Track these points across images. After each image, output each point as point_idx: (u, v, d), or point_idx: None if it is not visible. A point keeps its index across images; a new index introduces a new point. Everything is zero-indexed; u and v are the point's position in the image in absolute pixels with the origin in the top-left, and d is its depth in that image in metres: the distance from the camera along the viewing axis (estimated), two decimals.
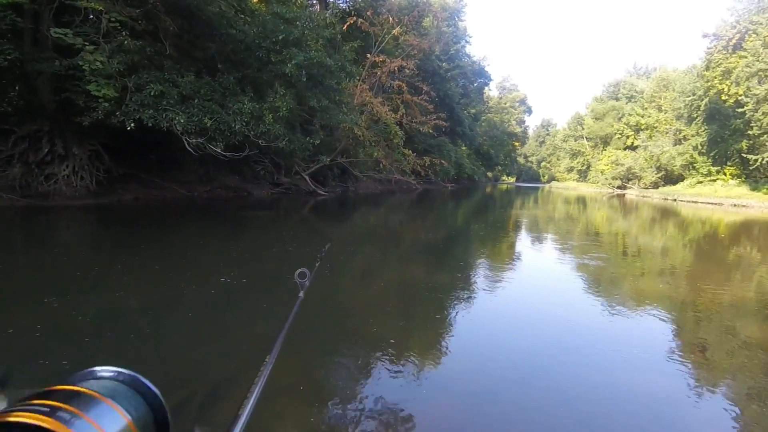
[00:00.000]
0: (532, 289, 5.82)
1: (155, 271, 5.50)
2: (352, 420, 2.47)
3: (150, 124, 11.26)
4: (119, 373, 0.39)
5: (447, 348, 3.60)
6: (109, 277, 5.10)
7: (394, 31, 27.06)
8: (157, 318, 3.87)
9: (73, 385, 0.36)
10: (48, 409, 0.32)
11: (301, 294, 1.39)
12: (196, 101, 12.25)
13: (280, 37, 13.90)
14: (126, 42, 11.21)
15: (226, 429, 0.63)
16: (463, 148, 46.73)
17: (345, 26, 23.24)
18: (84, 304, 4.10)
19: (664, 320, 4.61)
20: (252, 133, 12.97)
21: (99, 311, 3.92)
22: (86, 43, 10.60)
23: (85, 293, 4.48)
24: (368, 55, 25.75)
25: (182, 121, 11.53)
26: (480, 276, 6.43)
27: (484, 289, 5.57)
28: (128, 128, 11.12)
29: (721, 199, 29.61)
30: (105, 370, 0.39)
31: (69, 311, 3.84)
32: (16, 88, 12.31)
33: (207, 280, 5.16)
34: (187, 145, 12.19)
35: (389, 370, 3.11)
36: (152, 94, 11.31)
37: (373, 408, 2.60)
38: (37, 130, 11.64)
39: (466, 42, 47.45)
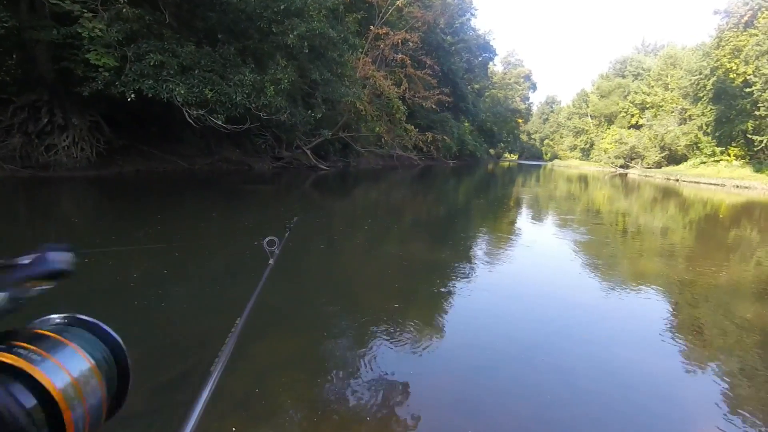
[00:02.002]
0: (531, 267, 5.87)
1: (182, 239, 5.54)
2: (350, 391, 2.54)
3: (150, 95, 11.11)
4: (79, 319, 0.39)
5: (446, 322, 3.66)
6: (131, 245, 5.14)
7: (398, 2, 26.40)
8: (161, 285, 3.92)
9: (35, 328, 0.36)
10: (6, 347, 0.32)
11: (271, 261, 1.41)
12: (196, 72, 12.05)
13: (282, 7, 13.55)
14: (124, 10, 10.96)
15: (205, 375, 0.66)
16: (466, 124, 46.23)
17: None
18: (103, 271, 4.13)
19: (661, 299, 4.66)
20: (253, 105, 12.82)
21: (114, 278, 3.96)
22: (84, 11, 10.37)
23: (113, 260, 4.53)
24: (371, 27, 25.21)
25: (182, 92, 11.39)
26: (480, 252, 6.48)
27: (483, 266, 5.62)
28: (128, 99, 10.98)
29: (723, 180, 29.49)
30: (66, 317, 0.39)
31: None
32: (14, 56, 12.10)
33: (215, 251, 5.20)
34: (187, 116, 12.06)
35: (388, 342, 3.17)
36: (152, 64, 11.12)
37: (371, 380, 2.66)
38: (36, 100, 11.51)
39: (472, 15, 46.27)
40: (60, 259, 0.39)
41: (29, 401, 0.30)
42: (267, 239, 1.44)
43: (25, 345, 0.33)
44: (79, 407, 0.33)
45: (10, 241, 5.21)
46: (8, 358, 0.31)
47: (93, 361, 0.36)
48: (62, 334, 0.36)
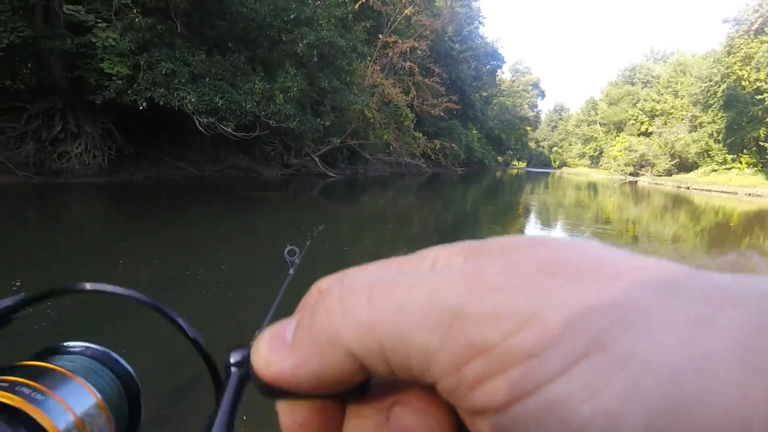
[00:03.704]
0: None
1: (194, 246, 5.57)
2: None
3: (161, 103, 11.26)
4: (87, 347, 0.36)
5: None
6: (156, 251, 5.18)
7: (407, 10, 26.60)
8: (174, 290, 3.93)
9: (39, 360, 0.34)
10: (8, 385, 0.30)
11: (291, 271, 1.40)
12: (207, 80, 12.21)
13: (292, 16, 13.73)
14: (137, 20, 11.15)
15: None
16: (474, 131, 46.26)
17: (357, 5, 22.87)
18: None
19: None
20: (263, 113, 12.95)
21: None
22: (98, 21, 10.57)
23: (131, 268, 4.56)
24: (380, 36, 25.39)
25: (193, 100, 11.53)
26: None
27: None
28: (140, 107, 11.14)
29: (735, 188, 29.14)
30: (73, 345, 0.36)
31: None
32: (29, 65, 12.33)
33: (229, 258, 5.22)
34: (198, 124, 12.20)
35: None
36: (163, 72, 11.28)
37: None
38: (50, 108, 11.71)
39: (480, 23, 46.53)
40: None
41: None
42: (288, 249, 1.42)
43: (27, 382, 0.31)
44: None
45: (24, 247, 5.28)
46: (9, 399, 0.29)
47: (100, 396, 0.34)
48: (68, 366, 0.34)
